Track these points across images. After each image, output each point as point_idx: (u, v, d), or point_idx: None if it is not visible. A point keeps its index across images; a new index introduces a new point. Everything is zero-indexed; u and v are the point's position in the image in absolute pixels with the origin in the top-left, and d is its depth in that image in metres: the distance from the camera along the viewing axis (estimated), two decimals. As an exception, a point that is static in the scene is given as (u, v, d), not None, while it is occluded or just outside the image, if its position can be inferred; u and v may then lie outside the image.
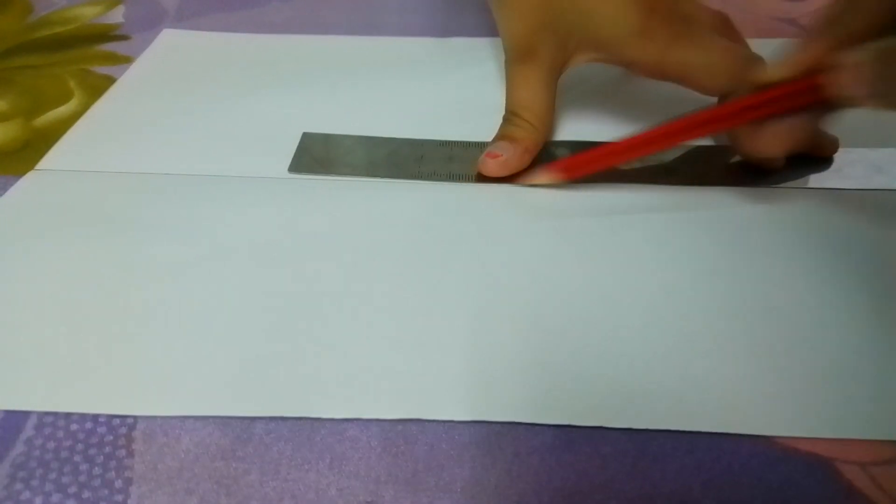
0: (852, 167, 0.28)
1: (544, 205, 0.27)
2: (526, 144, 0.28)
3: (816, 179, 0.28)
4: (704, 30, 0.28)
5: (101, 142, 0.31)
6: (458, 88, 0.35)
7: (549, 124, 0.29)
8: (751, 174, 0.28)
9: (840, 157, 0.29)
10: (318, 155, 0.30)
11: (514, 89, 0.29)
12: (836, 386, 0.20)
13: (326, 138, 0.31)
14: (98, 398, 0.20)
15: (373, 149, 0.31)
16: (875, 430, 0.19)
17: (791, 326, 0.22)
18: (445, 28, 0.41)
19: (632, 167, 0.29)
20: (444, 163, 0.30)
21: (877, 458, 0.19)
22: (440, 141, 0.31)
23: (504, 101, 0.30)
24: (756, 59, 0.27)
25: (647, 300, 0.23)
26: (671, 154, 0.29)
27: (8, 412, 0.20)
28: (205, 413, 0.20)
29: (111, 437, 0.20)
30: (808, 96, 0.23)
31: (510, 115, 0.29)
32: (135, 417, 0.20)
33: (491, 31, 0.41)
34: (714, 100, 0.28)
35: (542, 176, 0.28)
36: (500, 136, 0.29)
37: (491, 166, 0.28)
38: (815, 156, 0.28)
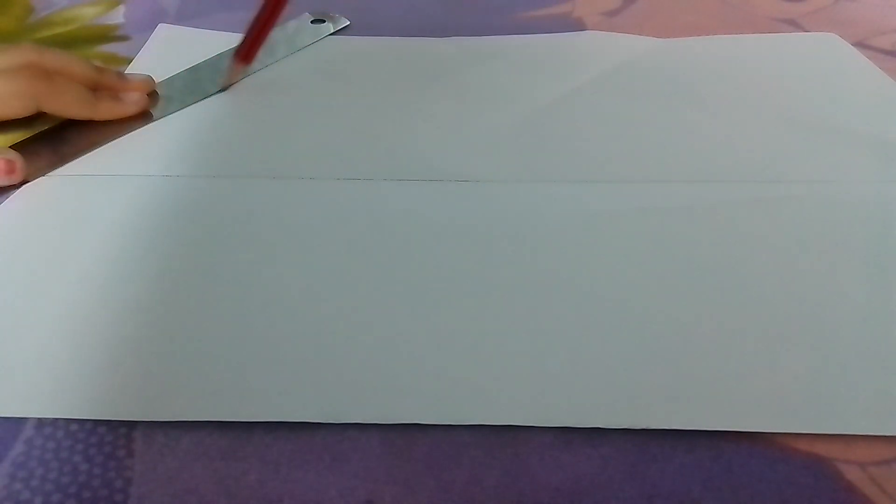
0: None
1: (539, 205, 0.27)
2: None
3: None
4: None
5: (103, 146, 0.31)
6: (458, 88, 0.35)
7: None
8: None
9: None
10: None
11: None
12: (835, 382, 0.21)
13: None
14: (97, 404, 0.20)
15: None
16: (874, 427, 0.19)
17: (789, 323, 0.22)
18: (445, 28, 0.41)
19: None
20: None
21: (877, 457, 0.19)
22: None
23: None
24: None
25: (643, 299, 0.23)
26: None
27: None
28: (202, 418, 0.20)
29: (111, 438, 0.20)
30: None
31: None
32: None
33: (491, 31, 0.41)
34: None
35: (234, 73, 0.33)
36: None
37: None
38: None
